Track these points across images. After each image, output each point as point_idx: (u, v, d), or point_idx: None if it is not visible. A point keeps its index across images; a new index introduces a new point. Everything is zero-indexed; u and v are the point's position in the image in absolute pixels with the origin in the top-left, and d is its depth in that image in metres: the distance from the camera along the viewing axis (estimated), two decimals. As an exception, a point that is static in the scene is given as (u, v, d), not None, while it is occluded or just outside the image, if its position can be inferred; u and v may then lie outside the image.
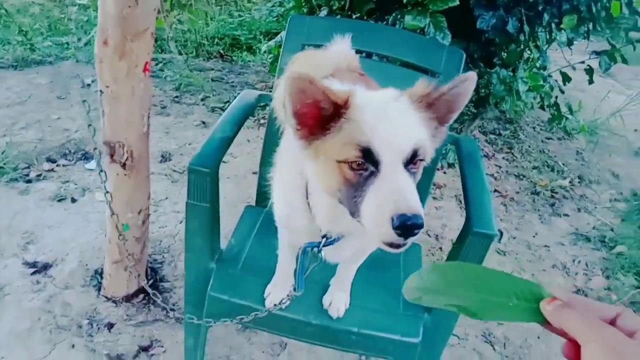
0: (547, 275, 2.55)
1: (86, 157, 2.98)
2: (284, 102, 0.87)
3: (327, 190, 0.94)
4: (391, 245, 0.85)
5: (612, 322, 0.53)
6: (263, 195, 2.01)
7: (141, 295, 2.08)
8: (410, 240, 0.82)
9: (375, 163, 0.85)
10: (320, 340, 1.48)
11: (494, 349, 2.09)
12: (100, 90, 1.60)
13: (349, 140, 0.86)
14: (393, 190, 0.82)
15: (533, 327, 2.22)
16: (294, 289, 1.25)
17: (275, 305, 1.34)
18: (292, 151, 1.08)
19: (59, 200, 2.59)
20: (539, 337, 2.17)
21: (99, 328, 1.95)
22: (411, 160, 0.87)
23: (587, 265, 2.66)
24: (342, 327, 1.42)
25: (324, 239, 1.11)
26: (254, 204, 1.98)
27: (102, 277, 2.10)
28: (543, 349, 2.12)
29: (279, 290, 1.44)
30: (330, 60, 1.42)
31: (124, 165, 1.74)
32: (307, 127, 0.91)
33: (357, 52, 1.59)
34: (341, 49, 1.47)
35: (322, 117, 0.89)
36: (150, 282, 2.12)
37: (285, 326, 1.42)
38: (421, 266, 1.70)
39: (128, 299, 2.06)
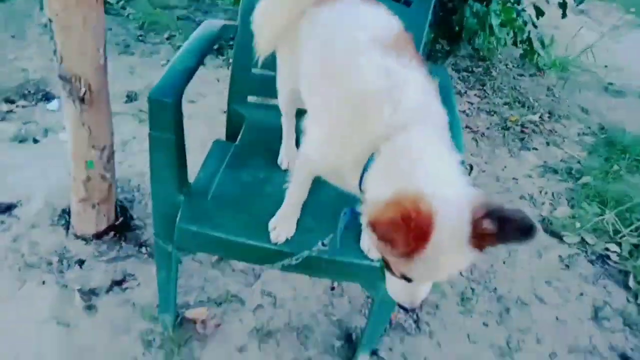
0: (514, 206, 2.61)
1: (47, 97, 2.85)
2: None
3: None
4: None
5: None
6: (233, 132, 1.98)
7: (112, 233, 2.06)
8: None
9: None
10: (293, 269, 1.50)
11: (460, 273, 2.16)
12: (50, 19, 1.50)
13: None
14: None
15: (498, 254, 2.30)
16: (323, 244, 1.32)
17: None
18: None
19: (20, 142, 2.50)
20: (504, 262, 2.25)
21: (69, 265, 1.94)
22: None
23: (553, 195, 2.73)
24: (313, 256, 1.44)
25: None
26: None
27: (70, 216, 2.06)
28: (507, 273, 2.21)
29: (285, 224, 1.41)
30: None
31: (82, 100, 1.67)
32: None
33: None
34: None
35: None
36: (121, 220, 2.10)
37: (261, 256, 1.42)
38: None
39: (98, 236, 2.04)
